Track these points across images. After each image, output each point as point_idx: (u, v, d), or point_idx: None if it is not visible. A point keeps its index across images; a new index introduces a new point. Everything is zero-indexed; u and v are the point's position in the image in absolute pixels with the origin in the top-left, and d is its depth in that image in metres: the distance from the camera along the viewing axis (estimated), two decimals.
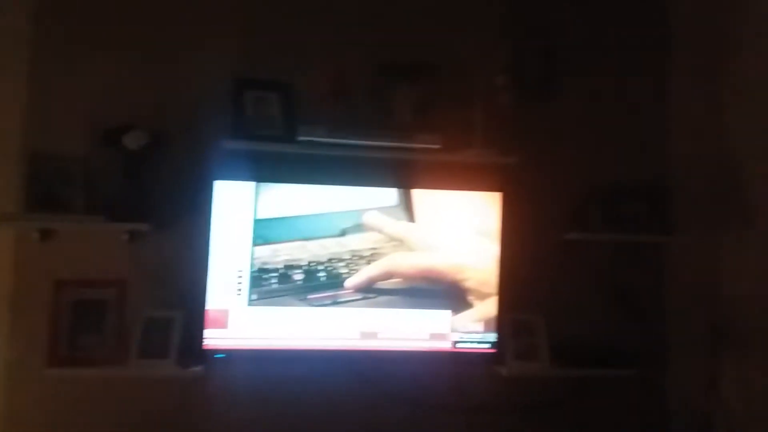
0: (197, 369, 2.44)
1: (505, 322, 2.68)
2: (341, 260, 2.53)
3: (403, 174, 2.65)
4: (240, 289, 2.47)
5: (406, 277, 2.59)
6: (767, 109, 2.44)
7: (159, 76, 2.60)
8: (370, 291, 2.56)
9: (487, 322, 2.65)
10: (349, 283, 2.54)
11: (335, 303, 2.54)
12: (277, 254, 2.48)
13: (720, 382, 2.62)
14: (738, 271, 2.57)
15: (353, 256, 2.54)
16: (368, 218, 2.54)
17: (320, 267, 2.52)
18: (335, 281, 2.54)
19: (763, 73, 2.47)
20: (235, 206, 2.47)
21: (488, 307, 2.65)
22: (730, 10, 2.64)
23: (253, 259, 2.47)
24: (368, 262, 2.55)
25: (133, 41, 2.60)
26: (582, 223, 2.76)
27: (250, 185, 2.48)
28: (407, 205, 2.59)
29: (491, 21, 2.81)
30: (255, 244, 2.47)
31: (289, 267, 2.49)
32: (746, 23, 2.56)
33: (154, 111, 2.56)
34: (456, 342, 2.63)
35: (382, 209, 2.57)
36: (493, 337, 2.66)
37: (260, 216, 2.48)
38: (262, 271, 2.48)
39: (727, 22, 2.66)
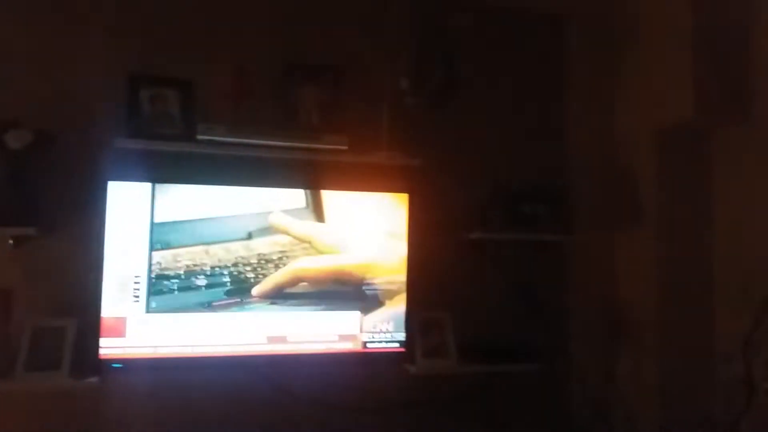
0: (92, 380, 2.23)
1: (414, 320, 2.61)
2: (248, 264, 2.39)
3: (310, 175, 2.53)
4: (138, 296, 2.28)
5: (315, 280, 2.47)
6: (654, 118, 2.50)
7: (46, 70, 2.36)
8: (277, 296, 2.43)
9: (395, 322, 2.57)
10: (256, 291, 2.40)
11: (241, 308, 2.39)
12: (178, 259, 2.31)
13: (616, 374, 2.65)
14: (630, 269, 2.62)
15: (261, 260, 2.41)
16: (274, 219, 2.41)
17: (225, 272, 2.37)
18: (241, 286, 2.39)
19: (650, 83, 2.52)
20: (131, 208, 2.28)
21: (397, 307, 2.57)
22: (622, 18, 2.69)
23: (151, 264, 2.29)
24: (276, 266, 2.42)
25: (17, 32, 2.35)
26: (485, 223, 2.73)
27: (147, 186, 2.29)
28: (316, 207, 2.48)
29: (393, 25, 2.73)
30: (153, 248, 2.29)
31: (191, 273, 2.33)
32: (638, 32, 2.61)
33: (40, 108, 2.31)
34: (365, 342, 2.54)
35: (291, 211, 2.44)
36: (401, 336, 2.58)
37: (159, 219, 2.30)
38: (162, 277, 2.30)
39: (619, 30, 2.71)
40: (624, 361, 2.64)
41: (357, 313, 2.53)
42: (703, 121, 2.29)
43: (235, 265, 2.37)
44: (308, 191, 2.47)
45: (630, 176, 2.62)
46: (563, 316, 2.92)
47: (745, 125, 2.16)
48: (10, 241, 2.23)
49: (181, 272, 2.31)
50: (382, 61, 2.65)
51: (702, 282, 2.28)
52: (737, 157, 2.19)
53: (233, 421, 2.49)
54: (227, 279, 2.36)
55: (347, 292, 2.51)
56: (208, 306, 2.35)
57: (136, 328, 2.28)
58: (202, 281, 2.33)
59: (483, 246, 2.76)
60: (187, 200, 2.33)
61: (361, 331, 2.53)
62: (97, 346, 2.24)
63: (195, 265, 2.32)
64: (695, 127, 2.33)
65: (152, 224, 2.28)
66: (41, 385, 2.19)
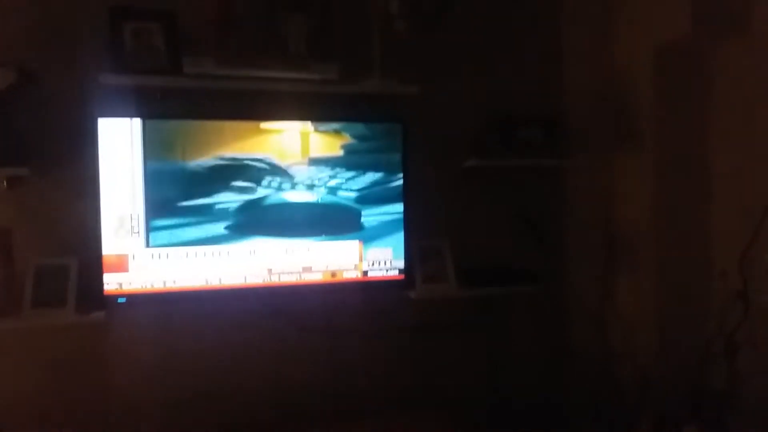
0: (98, 315, 2.18)
1: (413, 248, 2.53)
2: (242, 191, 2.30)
3: (300, 106, 2.40)
4: (137, 231, 2.20)
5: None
6: (654, 39, 2.35)
7: (25, 7, 2.19)
8: (275, 225, 2.34)
9: (395, 250, 2.50)
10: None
11: (240, 239, 2.31)
12: (173, 192, 2.22)
13: (614, 294, 2.59)
14: (628, 189, 2.53)
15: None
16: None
17: (221, 202, 2.27)
18: (241, 219, 2.30)
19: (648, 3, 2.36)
20: (123, 145, 2.17)
21: (396, 235, 2.49)
22: None
23: (147, 199, 2.20)
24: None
25: None
26: (481, 150, 2.61)
27: (137, 122, 2.18)
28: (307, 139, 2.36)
29: None
30: (147, 182, 2.19)
31: (190, 207, 2.24)
32: None
33: (21, 47, 2.17)
34: (366, 271, 2.47)
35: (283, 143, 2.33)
36: (401, 263, 2.50)
37: (150, 154, 2.19)
38: (158, 210, 2.21)
39: None
40: (622, 282, 2.58)
41: (357, 243, 2.45)
42: (701, 36, 2.15)
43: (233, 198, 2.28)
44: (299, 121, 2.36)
45: (628, 97, 2.49)
46: (561, 240, 2.83)
47: (744, 40, 2.02)
48: (4, 183, 2.15)
49: (178, 205, 2.23)
50: None
51: (700, 200, 2.19)
52: (736, 74, 2.05)
53: (239, 352, 2.46)
54: (226, 212, 2.28)
55: (347, 222, 2.43)
56: (206, 238, 2.27)
57: (137, 263, 2.22)
58: (198, 212, 2.25)
59: (480, 173, 2.65)
60: (178, 134, 2.22)
61: (361, 260, 2.46)
62: (100, 283, 2.18)
63: (190, 197, 2.24)
64: (693, 43, 2.19)
65: (145, 159, 2.19)
66: (48, 321, 2.14)
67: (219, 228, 2.29)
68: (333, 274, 2.43)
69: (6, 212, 2.19)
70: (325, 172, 2.40)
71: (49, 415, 2.25)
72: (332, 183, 2.41)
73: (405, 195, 2.49)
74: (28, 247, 2.20)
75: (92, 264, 2.18)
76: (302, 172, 2.37)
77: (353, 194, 2.44)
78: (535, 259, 2.74)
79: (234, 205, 2.29)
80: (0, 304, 2.11)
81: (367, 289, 2.50)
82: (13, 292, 2.14)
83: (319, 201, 2.41)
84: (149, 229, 2.21)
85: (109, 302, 2.20)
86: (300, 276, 2.39)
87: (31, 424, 2.22)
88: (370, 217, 2.46)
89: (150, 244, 2.22)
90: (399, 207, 2.48)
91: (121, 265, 2.20)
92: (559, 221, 2.84)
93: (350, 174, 2.43)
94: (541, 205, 2.80)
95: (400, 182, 2.48)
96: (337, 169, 2.41)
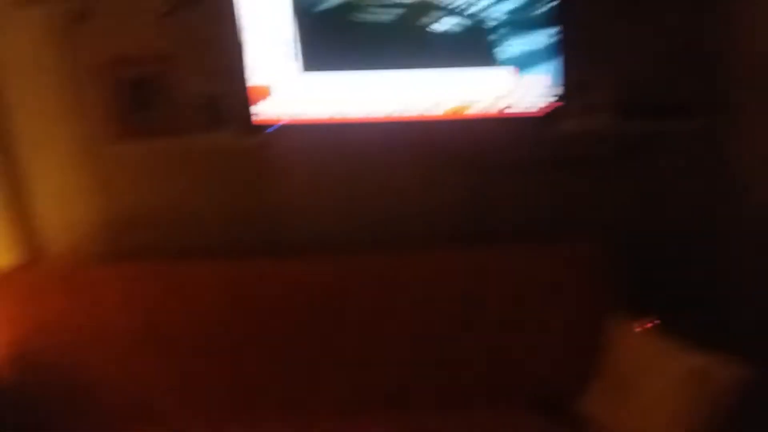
0: (253, 140, 2.30)
1: (567, 78, 2.33)
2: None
3: None
4: (291, 56, 2.22)
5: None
6: None
7: None
8: (422, 54, 2.25)
9: (552, 78, 2.31)
10: None
11: (395, 67, 2.26)
12: (326, 15, 2.18)
13: None
14: None
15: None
16: None
17: (376, 26, 2.20)
18: (394, 41, 2.24)
19: None
20: None
21: (550, 63, 2.30)
22: None
23: (300, 22, 2.17)
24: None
25: None
26: None
27: None
28: None
29: None
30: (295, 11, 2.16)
31: (342, 30, 2.20)
32: None
33: None
34: (517, 100, 2.34)
35: None
36: (555, 93, 2.33)
37: None
38: (312, 34, 2.20)
39: None
40: None
41: (511, 70, 2.29)
42: None
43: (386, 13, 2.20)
44: None
45: None
46: (727, 71, 2.45)
47: None
48: (163, 9, 2.18)
49: (332, 29, 2.20)
50: None
51: None
52: None
53: (381, 181, 2.48)
54: (377, 34, 2.22)
55: (496, 49, 2.27)
56: (358, 64, 2.25)
57: (290, 90, 2.26)
58: (352, 37, 2.22)
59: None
60: None
61: (515, 89, 2.32)
62: (253, 109, 2.26)
63: (344, 21, 2.19)
64: None
65: None
66: (207, 144, 2.30)
67: (367, 57, 2.25)
68: (486, 104, 2.34)
69: (166, 39, 2.25)
70: None
71: (211, 227, 2.46)
72: (479, 5, 2.22)
73: (559, 19, 2.25)
74: (187, 73, 2.28)
75: (246, 91, 2.24)
76: None
77: (503, 18, 2.23)
78: (701, 90, 2.44)
79: (380, 33, 2.21)
80: (164, 127, 2.27)
81: (517, 120, 2.38)
82: (174, 117, 2.28)
83: (469, 26, 2.24)
84: (304, 54, 2.22)
85: (262, 129, 2.29)
86: (449, 107, 2.33)
87: (194, 235, 2.44)
88: (522, 43, 2.27)
89: (305, 69, 2.24)
90: (552, 32, 2.26)
91: (273, 92, 2.25)
92: (731, 52, 2.44)
93: None
94: (711, 33, 2.43)
95: (554, 5, 2.23)
96: None
